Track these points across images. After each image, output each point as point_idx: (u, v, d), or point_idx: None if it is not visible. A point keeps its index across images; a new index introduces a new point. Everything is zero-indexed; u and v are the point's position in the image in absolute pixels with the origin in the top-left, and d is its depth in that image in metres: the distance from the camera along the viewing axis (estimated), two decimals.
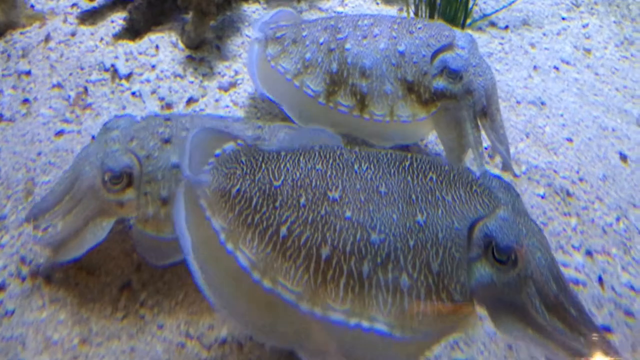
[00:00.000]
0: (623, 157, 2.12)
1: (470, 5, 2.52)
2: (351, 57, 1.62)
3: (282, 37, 1.77)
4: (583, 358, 0.85)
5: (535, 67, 2.53)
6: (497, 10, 2.81)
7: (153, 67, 1.79)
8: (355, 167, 0.97)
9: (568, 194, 1.89)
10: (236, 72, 1.88)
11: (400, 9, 2.52)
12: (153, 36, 1.87)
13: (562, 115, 2.25)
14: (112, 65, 1.75)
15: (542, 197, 1.85)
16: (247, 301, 0.93)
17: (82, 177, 1.15)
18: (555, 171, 1.96)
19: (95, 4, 1.88)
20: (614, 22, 3.10)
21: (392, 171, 0.97)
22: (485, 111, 1.58)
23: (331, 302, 0.89)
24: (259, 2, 2.16)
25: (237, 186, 0.97)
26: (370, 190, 0.94)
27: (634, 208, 1.91)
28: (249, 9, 2.10)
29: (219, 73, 1.84)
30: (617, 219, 1.85)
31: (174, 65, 1.78)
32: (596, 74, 2.65)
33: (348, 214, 0.91)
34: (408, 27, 1.62)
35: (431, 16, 2.50)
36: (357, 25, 1.69)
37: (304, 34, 1.75)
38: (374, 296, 0.88)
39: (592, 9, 3.16)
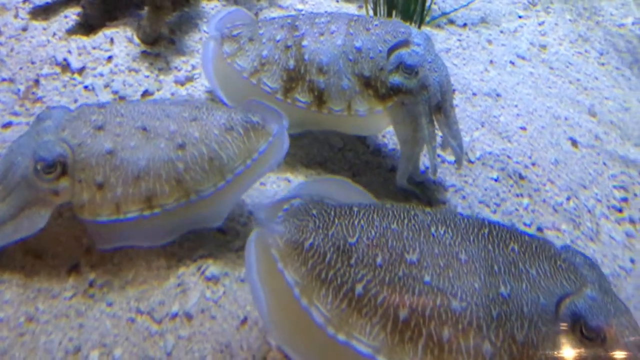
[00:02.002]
0: (574, 143, 2.18)
1: (428, 3, 2.58)
2: (308, 54, 1.64)
3: (239, 35, 1.78)
4: None
5: (491, 62, 2.59)
6: (455, 9, 2.89)
7: (108, 59, 1.80)
8: (432, 230, 0.98)
9: (521, 177, 1.94)
10: (193, 67, 1.89)
11: (360, 7, 2.57)
12: (108, 31, 1.88)
13: (516, 106, 2.31)
14: (65, 60, 1.75)
15: (496, 180, 1.90)
16: (322, 355, 0.94)
17: (14, 167, 1.17)
18: (509, 157, 2.01)
19: None
20: (569, 20, 3.20)
21: (472, 238, 0.98)
22: (440, 106, 1.61)
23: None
24: (218, 0, 2.19)
25: (310, 240, 0.99)
26: (449, 256, 0.95)
27: (584, 189, 1.97)
28: (207, 5, 2.12)
29: (176, 68, 1.85)
30: (568, 199, 1.91)
31: (129, 60, 1.79)
32: (551, 68, 2.73)
33: (427, 278, 0.92)
34: (365, 24, 1.66)
35: (389, 14, 2.55)
36: (314, 23, 1.72)
37: (261, 32, 1.77)
38: (455, 359, 0.89)
39: (548, 7, 3.27)
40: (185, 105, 1.32)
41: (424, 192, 1.78)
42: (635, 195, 2.02)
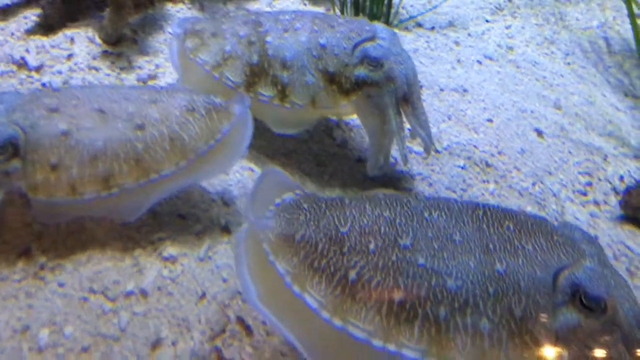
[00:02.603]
0: (540, 133, 2.21)
1: (395, 6, 2.63)
2: (272, 50, 1.66)
3: (202, 30, 1.80)
4: None
5: (458, 61, 2.64)
6: (423, 12, 2.95)
7: (68, 57, 1.80)
8: (426, 214, 0.99)
9: (487, 164, 1.96)
10: (157, 66, 1.90)
11: (327, 10, 2.62)
12: (68, 32, 1.88)
13: (483, 100, 2.34)
14: (22, 58, 1.74)
15: (462, 168, 1.91)
16: (319, 339, 0.93)
17: None
18: (475, 146, 2.03)
19: (8, 0, 1.89)
20: (536, 24, 3.28)
21: (466, 220, 0.98)
22: (406, 98, 1.63)
23: (406, 341, 0.90)
24: (184, 2, 2.22)
25: (302, 232, 0.99)
26: (443, 239, 0.95)
27: (549, 175, 1.99)
28: (172, 8, 2.15)
29: (139, 67, 1.86)
30: (533, 184, 1.92)
31: (89, 59, 1.80)
32: (517, 67, 2.78)
33: (421, 261, 0.93)
34: (329, 21, 1.68)
35: (356, 15, 2.60)
36: (278, 20, 1.74)
37: (224, 27, 1.78)
38: (452, 338, 0.89)
39: (514, 12, 3.34)
40: (144, 88, 1.32)
41: (393, 182, 1.79)
42: (600, 179, 2.05)
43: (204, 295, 1.19)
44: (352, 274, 0.93)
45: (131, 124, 1.23)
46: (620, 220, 1.85)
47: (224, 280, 1.23)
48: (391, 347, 0.89)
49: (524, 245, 0.94)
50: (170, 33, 2.02)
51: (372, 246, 0.95)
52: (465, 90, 2.37)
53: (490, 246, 0.94)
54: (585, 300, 0.89)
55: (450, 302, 0.89)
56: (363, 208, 1.01)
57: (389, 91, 1.61)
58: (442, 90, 2.33)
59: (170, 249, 1.27)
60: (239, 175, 1.60)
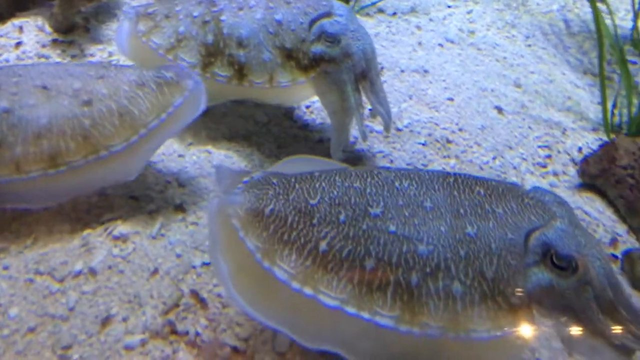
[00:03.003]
0: (500, 110, 2.24)
1: None
2: (227, 28, 1.64)
3: (154, 12, 1.77)
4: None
5: (420, 44, 2.66)
6: None
7: (16, 45, 1.76)
8: (396, 184, 0.98)
9: (448, 141, 1.97)
10: (110, 54, 1.87)
11: None
12: (17, 21, 1.84)
13: (444, 80, 2.36)
14: None
15: (424, 145, 1.92)
16: (290, 312, 0.93)
17: None
18: (436, 124, 2.04)
19: None
20: (497, 9, 3.32)
21: (436, 187, 0.98)
22: (365, 74, 1.62)
23: (379, 309, 0.89)
24: None
25: (271, 206, 0.98)
26: (414, 206, 0.95)
27: (509, 149, 2.01)
28: None
29: (91, 54, 1.83)
30: (494, 158, 1.94)
31: (38, 47, 1.75)
32: (478, 49, 2.81)
33: (392, 228, 0.92)
34: None
35: None
36: None
37: (177, 8, 1.76)
38: (425, 303, 0.89)
39: None
40: (91, 64, 1.30)
41: (354, 160, 1.79)
42: (559, 152, 2.08)
43: (156, 271, 1.17)
44: (323, 245, 0.93)
45: (77, 100, 1.20)
46: (578, 188, 1.88)
47: (178, 256, 1.21)
48: (365, 314, 0.89)
49: (495, 209, 0.94)
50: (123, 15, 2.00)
51: (342, 216, 0.94)
52: (426, 71, 2.38)
53: (461, 211, 0.94)
54: (556, 260, 0.90)
55: (422, 267, 0.90)
56: (333, 180, 1.00)
57: (347, 67, 1.60)
58: (402, 71, 2.34)
59: (120, 228, 1.24)
60: (195, 157, 1.58)
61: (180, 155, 1.57)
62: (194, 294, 1.15)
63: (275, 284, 0.93)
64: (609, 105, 2.29)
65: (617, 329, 0.89)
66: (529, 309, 0.90)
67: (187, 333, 1.08)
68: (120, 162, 1.22)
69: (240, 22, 1.65)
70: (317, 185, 1.00)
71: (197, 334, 1.08)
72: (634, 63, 2.76)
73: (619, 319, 0.89)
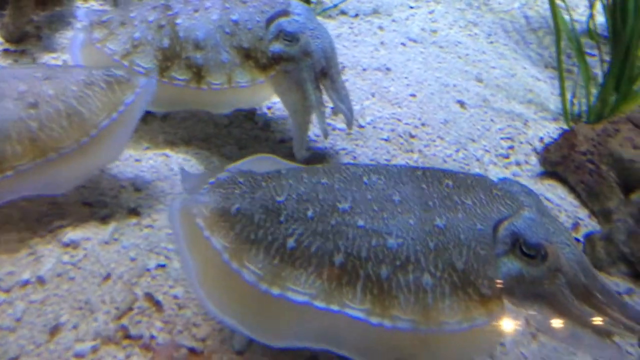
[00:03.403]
0: (462, 105, 2.26)
1: None
2: (183, 31, 1.62)
3: (109, 20, 1.75)
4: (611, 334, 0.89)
5: (382, 43, 2.67)
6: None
7: None
8: (364, 179, 0.97)
9: (411, 135, 1.97)
10: (65, 62, 1.84)
11: None
12: None
13: (406, 78, 2.37)
14: None
15: (386, 140, 1.92)
16: (259, 313, 0.91)
17: None
18: (399, 120, 2.05)
19: None
20: (459, 9, 3.36)
21: (405, 180, 0.98)
22: (325, 72, 1.62)
23: (348, 302, 0.88)
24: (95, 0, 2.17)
25: (237, 204, 0.97)
26: (383, 200, 0.94)
27: (472, 142, 2.03)
28: (82, 5, 2.09)
29: (44, 63, 1.80)
30: (457, 151, 1.95)
31: None
32: (440, 47, 2.84)
33: (361, 222, 0.91)
34: None
35: None
36: (188, 1, 1.71)
37: (132, 14, 1.74)
38: (395, 296, 0.87)
39: None
40: (37, 66, 1.26)
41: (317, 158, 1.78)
42: (521, 142, 2.10)
43: (108, 276, 1.14)
44: (291, 242, 0.92)
45: (23, 103, 1.17)
46: (540, 176, 1.89)
47: (132, 260, 1.18)
48: (334, 307, 0.88)
49: (464, 200, 0.94)
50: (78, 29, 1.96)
51: (310, 212, 0.93)
52: (388, 69, 2.39)
53: (430, 203, 0.93)
54: (525, 248, 0.89)
55: (392, 260, 0.89)
56: (300, 177, 0.99)
57: (307, 66, 1.59)
58: (365, 70, 2.35)
59: (71, 235, 1.21)
60: (152, 161, 1.55)
61: (136, 160, 1.54)
62: (149, 296, 1.12)
63: (243, 286, 0.91)
64: (569, 95, 2.33)
65: (593, 313, 0.89)
66: (500, 300, 0.89)
67: (141, 337, 1.05)
68: (71, 164, 1.19)
69: (196, 24, 1.63)
70: (284, 183, 0.99)
71: (152, 337, 1.05)
72: (593, 55, 2.81)
73: (594, 303, 0.89)
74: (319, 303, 0.88)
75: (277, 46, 1.59)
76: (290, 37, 1.58)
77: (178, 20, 1.65)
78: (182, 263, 0.94)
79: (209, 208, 0.97)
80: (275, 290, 0.89)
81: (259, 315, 0.91)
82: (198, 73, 1.60)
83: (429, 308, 0.87)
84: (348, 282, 0.89)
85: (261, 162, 1.21)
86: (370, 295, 0.88)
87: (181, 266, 1.05)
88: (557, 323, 0.89)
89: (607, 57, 2.42)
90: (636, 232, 1.40)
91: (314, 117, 1.66)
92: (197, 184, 1.06)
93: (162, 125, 1.76)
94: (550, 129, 2.20)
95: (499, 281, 0.89)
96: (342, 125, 1.95)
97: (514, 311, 0.96)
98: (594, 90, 2.38)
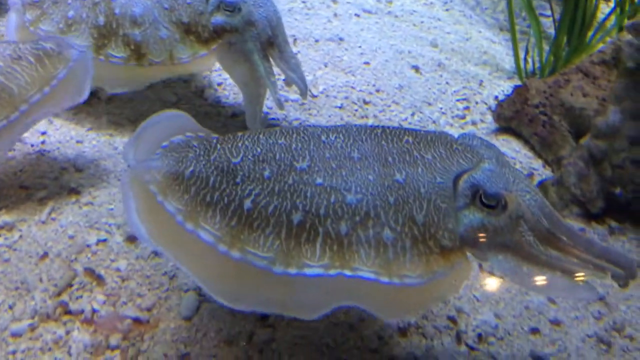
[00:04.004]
0: (417, 69, 2.24)
1: None
2: (119, 8, 1.57)
3: (40, 0, 1.70)
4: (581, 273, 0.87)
5: (335, 15, 2.64)
6: None
7: None
8: (323, 137, 0.95)
9: (365, 102, 1.95)
10: None
11: None
12: None
13: (360, 47, 2.34)
14: None
15: (340, 107, 1.89)
16: (218, 273, 0.88)
17: None
18: (352, 87, 2.02)
19: None
20: None
21: (364, 138, 0.96)
22: (272, 42, 1.58)
23: (307, 261, 0.85)
24: None
25: (191, 167, 0.93)
26: (341, 157, 0.92)
27: (428, 105, 2.01)
28: None
29: None
30: (412, 114, 1.94)
31: None
32: (396, 16, 2.82)
33: (319, 180, 0.89)
34: None
35: None
36: None
37: None
38: (355, 251, 0.86)
39: None
40: None
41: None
42: (477, 102, 2.10)
43: (45, 254, 1.09)
44: (247, 203, 0.89)
45: None
46: (495, 132, 1.89)
47: (71, 237, 1.14)
48: (292, 270, 0.85)
49: (424, 155, 0.92)
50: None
51: (267, 172, 0.91)
52: (341, 39, 2.36)
53: (389, 159, 0.92)
54: (485, 199, 0.88)
55: (351, 216, 0.87)
56: (257, 138, 0.97)
57: (252, 36, 1.55)
58: (317, 41, 2.31)
59: (5, 217, 1.15)
60: (95, 141, 1.50)
61: (78, 142, 1.48)
62: (89, 271, 1.08)
63: (199, 247, 0.88)
64: (523, 54, 2.34)
65: (560, 256, 0.88)
66: (461, 252, 0.88)
67: (82, 311, 1.01)
68: (5, 138, 1.14)
69: (133, 0, 1.58)
70: (239, 144, 0.96)
71: (94, 310, 1.01)
72: (548, 16, 2.82)
73: (560, 246, 0.88)
74: (277, 268, 0.86)
75: (218, 18, 1.54)
76: (231, 7, 1.54)
77: None
78: (134, 231, 0.90)
79: (162, 172, 0.94)
80: (236, 253, 0.87)
81: (218, 278, 0.88)
82: (137, 50, 1.55)
83: (389, 262, 0.85)
84: (307, 240, 0.87)
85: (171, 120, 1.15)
86: (330, 251, 0.86)
87: (131, 236, 1.00)
88: (526, 271, 0.87)
89: (560, 17, 2.43)
90: (586, 174, 1.41)
91: (265, 89, 1.63)
92: (146, 150, 1.01)
93: (107, 107, 1.71)
94: (505, 87, 2.20)
95: (460, 233, 0.88)
96: (295, 96, 1.91)
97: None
98: (547, 48, 2.39)
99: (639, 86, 1.35)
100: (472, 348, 1.08)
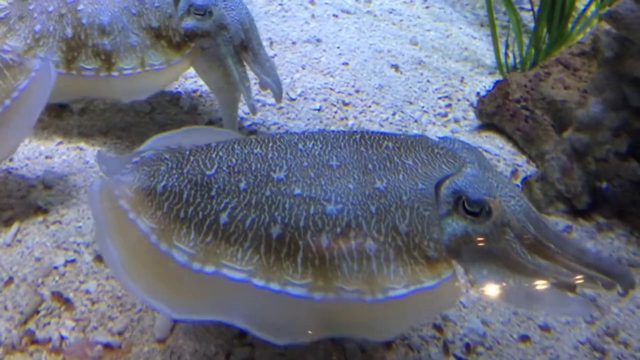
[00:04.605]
0: (397, 68, 2.21)
1: None
2: (86, 18, 1.52)
3: (6, 16, 1.63)
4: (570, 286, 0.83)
5: (313, 16, 2.60)
6: None
7: None
8: (300, 146, 0.92)
9: (345, 103, 1.91)
10: None
11: None
12: None
13: (338, 47, 2.31)
14: None
15: (319, 110, 1.85)
16: (194, 294, 0.84)
17: None
18: (331, 89, 1.99)
19: None
20: None
21: (342, 144, 0.92)
22: (245, 45, 1.54)
23: (289, 278, 0.82)
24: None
25: (163, 182, 0.89)
26: (320, 166, 0.88)
27: (409, 104, 1.98)
28: None
29: None
30: (393, 114, 1.90)
31: None
32: (375, 16, 2.79)
33: (297, 191, 0.86)
34: None
35: None
36: None
37: (31, 7, 1.62)
38: (338, 266, 0.82)
39: None
40: None
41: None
42: (459, 99, 2.07)
43: (10, 280, 1.04)
44: (224, 217, 0.85)
45: None
46: (478, 129, 1.86)
47: (37, 259, 1.09)
48: (274, 285, 0.81)
49: (404, 161, 0.89)
50: None
51: (243, 184, 0.87)
52: (319, 41, 2.32)
53: (370, 166, 0.88)
54: (468, 206, 0.84)
55: (332, 227, 0.83)
56: (231, 149, 0.93)
57: (224, 40, 1.51)
58: (294, 43, 2.27)
59: None
60: (65, 156, 1.44)
61: (47, 157, 1.43)
62: (57, 295, 1.02)
63: (175, 267, 0.84)
64: (504, 49, 2.31)
65: (549, 265, 0.84)
66: (447, 262, 0.84)
67: (49, 340, 0.96)
68: None
69: (100, 8, 1.53)
70: (213, 156, 0.92)
71: (63, 338, 0.96)
72: (529, 10, 2.80)
73: (548, 254, 0.84)
74: (257, 281, 0.82)
75: (189, 22, 1.50)
76: (202, 11, 1.49)
77: (80, 7, 1.55)
78: (103, 252, 0.85)
79: (133, 188, 0.90)
80: (209, 269, 0.82)
81: (194, 298, 0.84)
82: (108, 60, 1.50)
83: (373, 275, 0.81)
84: (287, 254, 0.83)
85: (193, 135, 1.12)
86: (312, 267, 0.82)
87: (102, 255, 0.95)
88: (513, 285, 0.83)
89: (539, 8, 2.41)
90: (569, 168, 1.37)
91: (240, 94, 1.58)
92: (117, 165, 0.97)
93: (79, 120, 1.66)
94: (487, 83, 2.17)
95: (444, 242, 0.84)
96: (273, 100, 1.87)
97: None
98: (525, 40, 2.36)
99: (619, 76, 1.32)
100: (460, 359, 1.04)
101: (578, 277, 0.84)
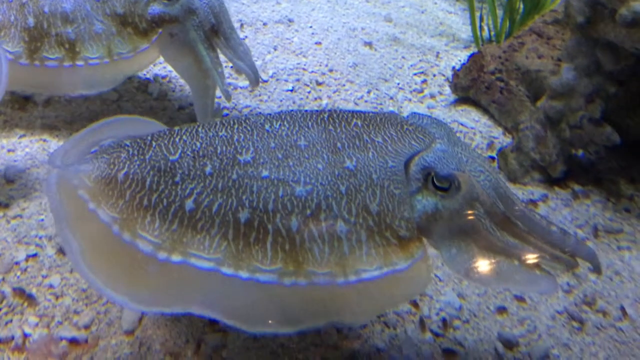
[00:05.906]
0: (371, 45, 2.17)
1: None
2: (47, 6, 1.46)
3: None
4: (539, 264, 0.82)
5: None
6: None
7: None
8: (267, 126, 0.89)
9: (318, 83, 1.88)
10: None
11: None
12: None
13: (311, 27, 2.26)
14: None
15: (291, 91, 1.81)
16: (160, 284, 0.81)
17: None
18: (304, 69, 1.94)
19: None
20: None
21: (310, 124, 0.89)
22: (216, 30, 1.49)
23: (258, 264, 0.79)
24: None
25: (124, 169, 0.86)
26: (287, 146, 0.86)
27: (384, 82, 1.95)
28: None
29: None
30: (368, 92, 1.87)
31: None
32: None
33: (265, 173, 0.83)
34: None
35: None
36: None
37: None
38: (309, 249, 0.79)
39: None
40: None
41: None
42: (434, 75, 2.04)
43: None
44: (189, 203, 0.82)
45: None
46: (454, 103, 1.84)
47: None
48: (243, 273, 0.79)
49: (374, 139, 0.86)
50: None
51: (208, 168, 0.84)
52: (290, 21, 2.28)
53: (339, 145, 0.86)
54: (437, 181, 0.82)
55: (302, 210, 0.80)
56: (195, 132, 0.89)
57: (194, 25, 1.46)
58: (265, 24, 2.22)
59: None
60: (28, 149, 1.40)
61: (9, 151, 1.38)
62: (19, 291, 0.99)
63: (139, 257, 0.80)
64: (479, 22, 2.28)
65: (517, 244, 0.82)
66: (419, 240, 0.82)
67: (12, 338, 0.92)
68: None
69: None
70: (177, 140, 0.88)
71: (26, 335, 0.93)
72: None
73: (517, 233, 0.83)
74: (226, 269, 0.79)
75: (155, 7, 1.45)
76: None
77: None
78: (63, 244, 0.81)
79: (92, 176, 0.86)
80: (176, 258, 0.79)
81: (160, 289, 0.80)
82: (72, 49, 1.45)
83: (345, 257, 0.79)
84: (256, 240, 0.80)
85: (113, 126, 1.06)
86: (282, 252, 0.79)
87: (63, 248, 0.92)
88: (481, 263, 0.81)
89: None
90: (543, 136, 1.35)
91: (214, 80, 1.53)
92: (75, 155, 0.92)
93: (43, 111, 1.60)
94: (462, 57, 2.14)
95: (415, 220, 0.82)
96: (245, 83, 1.83)
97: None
98: (499, 12, 2.33)
99: (592, 41, 1.30)
100: (437, 334, 1.02)
101: (542, 254, 0.82)
